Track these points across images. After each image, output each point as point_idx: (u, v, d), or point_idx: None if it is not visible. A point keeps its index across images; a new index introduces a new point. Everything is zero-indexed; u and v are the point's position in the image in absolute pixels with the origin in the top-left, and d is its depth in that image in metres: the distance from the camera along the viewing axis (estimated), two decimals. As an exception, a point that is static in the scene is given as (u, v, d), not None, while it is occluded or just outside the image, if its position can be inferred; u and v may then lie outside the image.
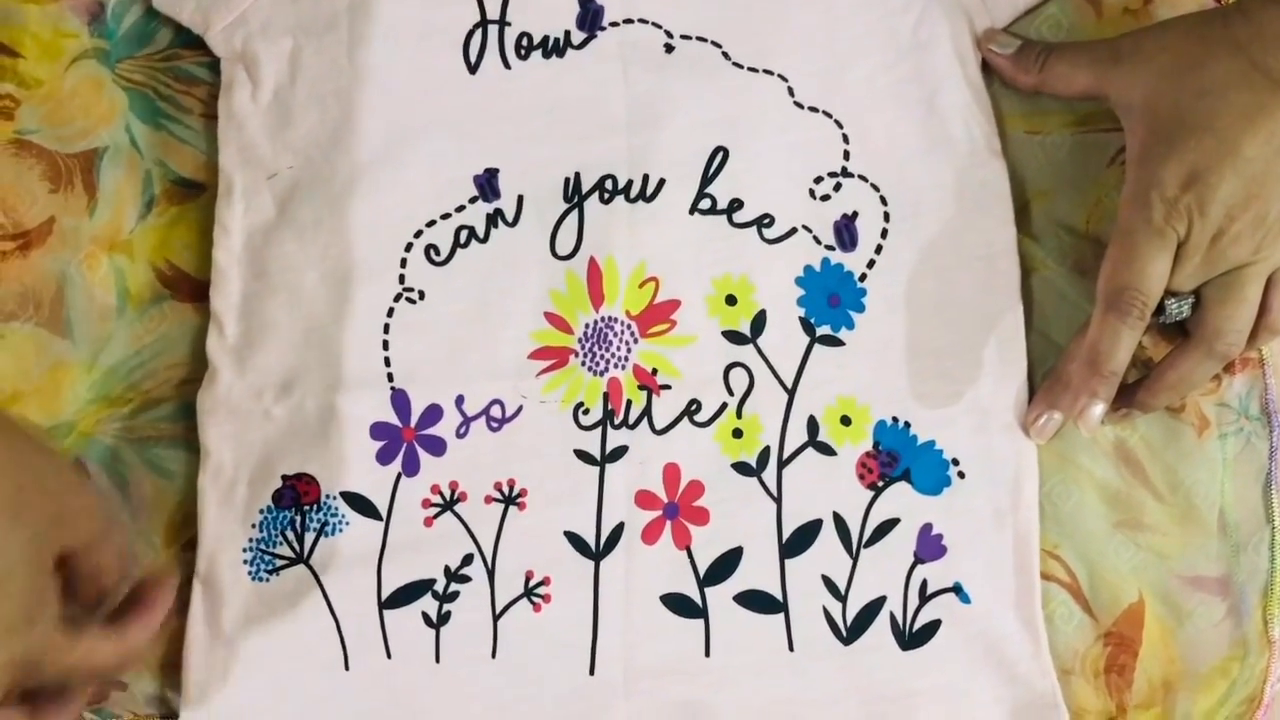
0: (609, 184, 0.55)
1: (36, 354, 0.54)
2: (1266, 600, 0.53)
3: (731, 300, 0.55)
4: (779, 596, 0.52)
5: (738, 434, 0.54)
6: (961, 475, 0.53)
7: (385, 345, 0.54)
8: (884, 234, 0.55)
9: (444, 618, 0.52)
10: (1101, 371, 0.50)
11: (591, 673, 0.52)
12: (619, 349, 0.54)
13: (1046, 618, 0.53)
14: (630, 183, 0.55)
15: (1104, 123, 0.56)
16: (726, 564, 0.53)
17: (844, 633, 0.52)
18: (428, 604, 0.52)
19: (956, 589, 0.53)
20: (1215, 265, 0.49)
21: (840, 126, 0.56)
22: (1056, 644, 0.53)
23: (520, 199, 0.55)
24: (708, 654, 0.52)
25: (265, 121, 0.55)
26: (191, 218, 0.56)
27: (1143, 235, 0.49)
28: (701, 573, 0.53)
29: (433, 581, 0.52)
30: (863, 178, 0.55)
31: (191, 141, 0.57)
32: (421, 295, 0.54)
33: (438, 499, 0.53)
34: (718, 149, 0.55)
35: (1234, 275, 0.49)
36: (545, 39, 0.56)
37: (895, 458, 0.54)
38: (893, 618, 0.52)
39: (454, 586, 0.52)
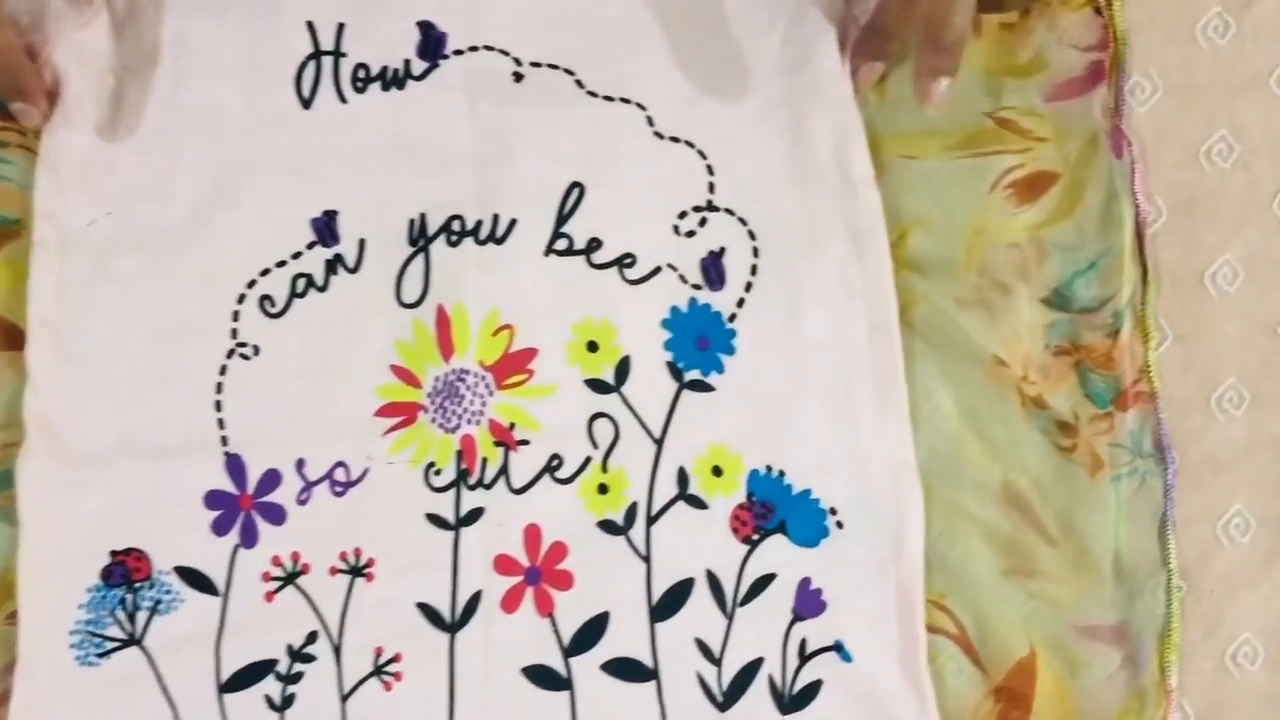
0: (456, 225, 0.51)
1: None
2: (1163, 648, 0.52)
3: (593, 346, 0.51)
4: (649, 663, 0.50)
5: (603, 489, 0.50)
6: (840, 525, 0.51)
7: (218, 406, 0.50)
8: (753, 270, 0.52)
9: (288, 700, 0.49)
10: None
11: (449, 753, 0.49)
12: (472, 403, 0.50)
13: (934, 672, 0.51)
14: (480, 223, 0.51)
15: (985, 146, 0.53)
16: (593, 631, 0.50)
17: (720, 699, 0.50)
18: (270, 686, 0.49)
19: (838, 647, 0.50)
20: None
21: (704, 157, 0.52)
22: (945, 700, 0.51)
23: (362, 243, 0.51)
24: (574, 728, 0.49)
25: (84, 165, 0.51)
26: (10, 260, 0.51)
27: None
28: (566, 641, 0.49)
29: (275, 662, 0.49)
30: (729, 211, 0.52)
31: (10, 176, 0.52)
32: (256, 350, 0.50)
33: (279, 571, 0.49)
34: (573, 184, 0.52)
35: None
36: (384, 70, 0.52)
37: (770, 509, 0.51)
38: (771, 680, 0.50)
39: (298, 666, 0.49)
